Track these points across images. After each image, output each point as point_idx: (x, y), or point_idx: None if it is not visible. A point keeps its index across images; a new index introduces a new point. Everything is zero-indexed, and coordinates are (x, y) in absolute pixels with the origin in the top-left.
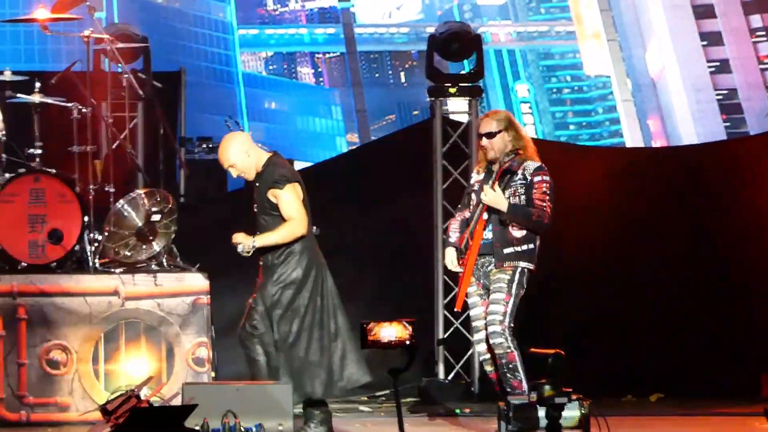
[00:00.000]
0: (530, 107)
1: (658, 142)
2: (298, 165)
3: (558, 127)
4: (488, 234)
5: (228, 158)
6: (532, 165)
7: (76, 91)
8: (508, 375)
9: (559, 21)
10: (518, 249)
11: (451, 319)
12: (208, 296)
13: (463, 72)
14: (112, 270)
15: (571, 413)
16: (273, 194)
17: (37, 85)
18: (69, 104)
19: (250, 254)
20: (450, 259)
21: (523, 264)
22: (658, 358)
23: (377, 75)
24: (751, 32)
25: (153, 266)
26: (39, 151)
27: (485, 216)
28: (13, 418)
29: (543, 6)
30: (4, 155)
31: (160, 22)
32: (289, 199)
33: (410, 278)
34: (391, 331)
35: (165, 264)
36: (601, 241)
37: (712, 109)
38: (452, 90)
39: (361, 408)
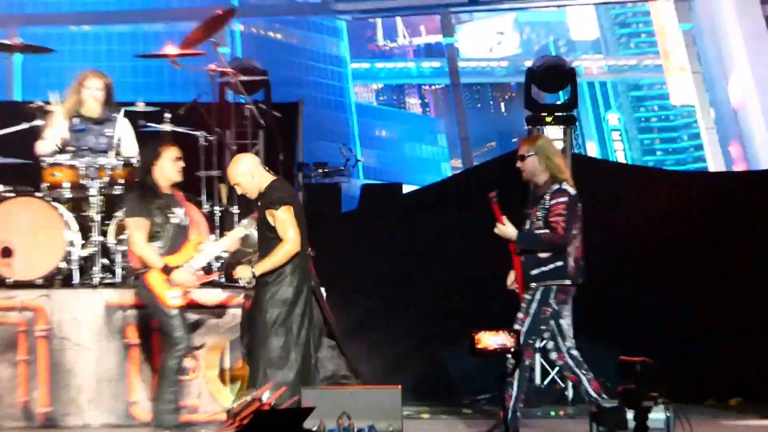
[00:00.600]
0: (620, 135)
1: (739, 167)
2: (406, 188)
3: (646, 153)
4: (524, 258)
5: (234, 177)
6: (555, 187)
7: (202, 120)
8: (506, 388)
9: (647, 55)
10: (545, 269)
11: None
12: None
13: (558, 102)
14: (237, 284)
15: (657, 416)
16: (269, 214)
17: (167, 115)
18: (196, 132)
19: (252, 284)
20: (509, 279)
21: (550, 282)
22: (738, 364)
23: (479, 105)
24: None
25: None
26: None
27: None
28: (147, 419)
29: (633, 41)
30: (137, 179)
31: (280, 57)
32: (284, 219)
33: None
34: (497, 339)
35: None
36: (684, 256)
37: None
38: (548, 119)
39: (464, 411)
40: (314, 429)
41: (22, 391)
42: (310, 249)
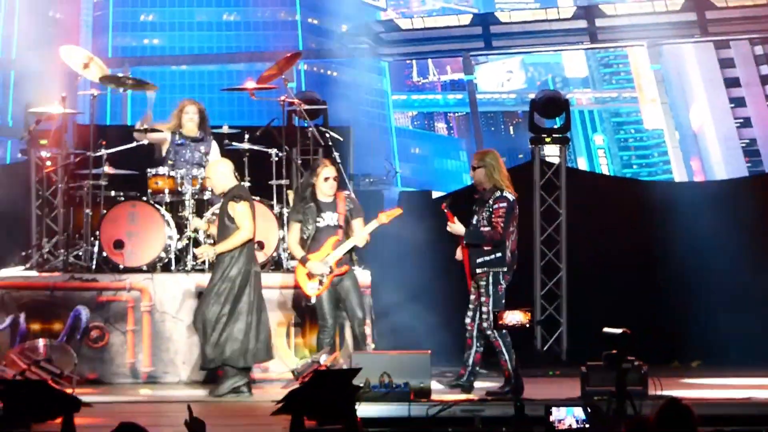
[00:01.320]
0: (604, 152)
1: (698, 177)
2: (435, 194)
3: (624, 166)
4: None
5: (211, 172)
6: (497, 194)
7: (274, 140)
8: (499, 356)
9: (625, 89)
10: (487, 258)
11: (546, 305)
12: (369, 288)
13: (555, 126)
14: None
15: (633, 375)
16: (231, 206)
17: (246, 136)
18: (269, 150)
19: (213, 259)
20: (459, 253)
21: (493, 269)
22: (699, 333)
23: (493, 128)
24: (766, 98)
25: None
26: (248, 184)
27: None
28: None
29: (614, 78)
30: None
31: (336, 91)
32: (242, 212)
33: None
34: (516, 317)
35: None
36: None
37: (738, 154)
38: (547, 139)
39: (481, 371)
40: (361, 384)
41: (130, 354)
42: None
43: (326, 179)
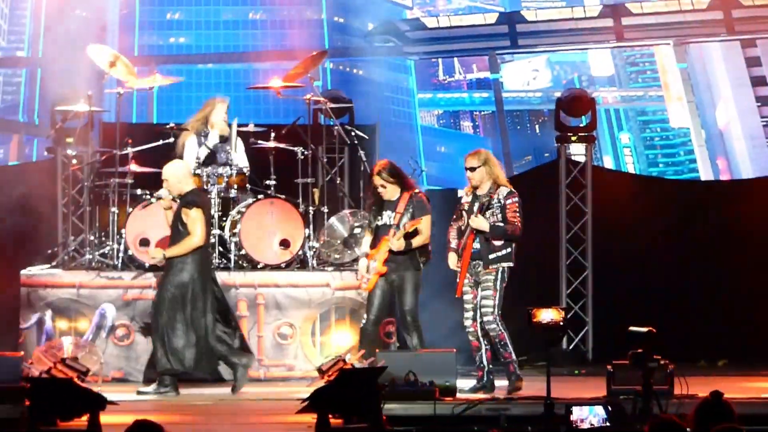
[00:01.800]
0: (630, 151)
1: (724, 176)
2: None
3: (650, 165)
4: (477, 245)
5: (168, 174)
6: (504, 191)
7: (300, 138)
8: (501, 350)
9: (651, 88)
10: (499, 254)
11: (572, 304)
12: None
13: (581, 125)
14: (326, 268)
15: (659, 374)
16: (184, 212)
17: (272, 134)
18: (295, 148)
19: (162, 263)
20: (452, 260)
21: (504, 264)
22: (725, 333)
23: (518, 127)
24: None
25: (355, 266)
26: (273, 182)
27: (473, 233)
28: (254, 375)
29: (640, 77)
30: (249, 185)
31: (361, 89)
32: (195, 218)
33: (542, 273)
34: (549, 315)
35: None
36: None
37: (764, 152)
38: (573, 138)
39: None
40: (386, 384)
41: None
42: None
43: (376, 188)
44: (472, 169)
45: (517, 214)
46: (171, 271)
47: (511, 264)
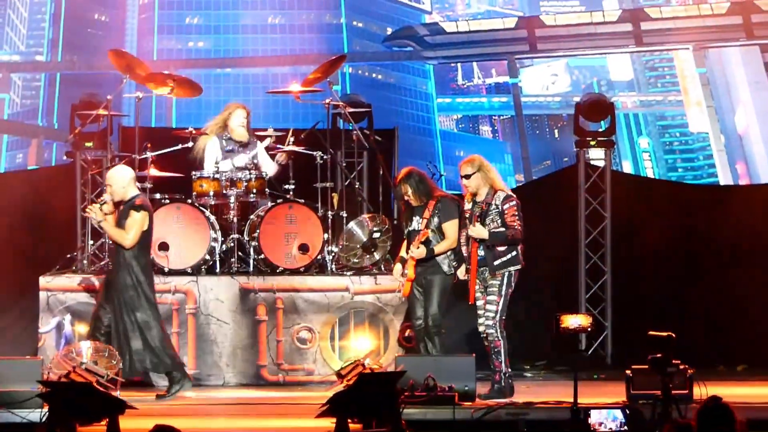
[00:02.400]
0: (649, 156)
1: (743, 181)
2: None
3: (669, 170)
4: (482, 252)
5: (112, 179)
6: (501, 195)
7: (319, 143)
8: (493, 357)
9: (671, 92)
10: (504, 259)
11: (591, 309)
12: None
13: (600, 129)
14: (345, 273)
15: (679, 379)
16: (130, 213)
17: (291, 138)
18: (314, 152)
19: (96, 220)
20: (460, 271)
21: (510, 269)
22: (744, 338)
23: (537, 132)
24: None
25: (374, 270)
26: (292, 187)
27: (476, 241)
28: (273, 379)
29: (659, 81)
30: (268, 189)
31: (380, 93)
32: (135, 221)
33: (561, 277)
34: (577, 321)
35: (382, 269)
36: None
37: None
38: (592, 142)
39: (526, 374)
40: (405, 388)
41: None
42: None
43: (403, 195)
44: (467, 177)
45: (516, 218)
46: (111, 278)
47: (518, 267)
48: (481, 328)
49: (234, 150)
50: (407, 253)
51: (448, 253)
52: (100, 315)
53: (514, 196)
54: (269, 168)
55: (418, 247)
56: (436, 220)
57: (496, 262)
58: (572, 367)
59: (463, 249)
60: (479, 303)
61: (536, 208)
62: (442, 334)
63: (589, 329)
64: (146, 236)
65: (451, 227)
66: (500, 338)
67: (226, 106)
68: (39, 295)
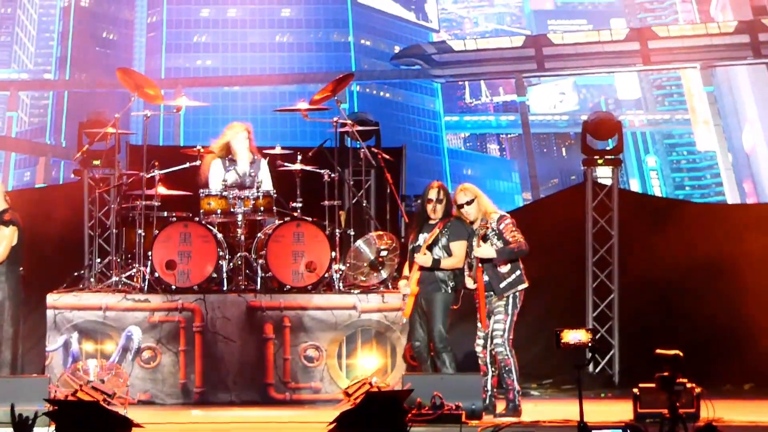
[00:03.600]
0: (657, 174)
1: (751, 200)
2: None
3: (677, 188)
4: (486, 277)
5: None
6: (495, 217)
7: (326, 161)
8: (504, 375)
9: (678, 111)
10: (509, 280)
11: (598, 327)
12: None
13: (607, 148)
14: (352, 291)
15: (686, 398)
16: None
17: (299, 157)
18: (321, 171)
19: None
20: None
21: (516, 289)
22: (751, 357)
23: (545, 150)
24: None
25: (381, 288)
26: (300, 205)
27: (480, 265)
28: (280, 397)
29: (667, 100)
30: (275, 207)
31: (388, 112)
32: (4, 235)
33: (568, 296)
34: (577, 336)
35: (390, 287)
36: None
37: None
38: (600, 161)
39: (532, 392)
40: (412, 406)
41: (181, 374)
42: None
43: (429, 201)
44: (469, 203)
45: (515, 233)
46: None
47: (524, 286)
48: (477, 348)
49: (240, 169)
50: (410, 270)
51: (450, 274)
52: None
53: (507, 214)
54: (267, 184)
55: (424, 254)
56: (444, 239)
57: (502, 285)
58: (578, 385)
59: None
60: (479, 324)
61: (543, 226)
62: (450, 351)
63: (590, 344)
64: (16, 251)
65: (458, 247)
66: (510, 356)
67: (228, 126)
68: (46, 313)
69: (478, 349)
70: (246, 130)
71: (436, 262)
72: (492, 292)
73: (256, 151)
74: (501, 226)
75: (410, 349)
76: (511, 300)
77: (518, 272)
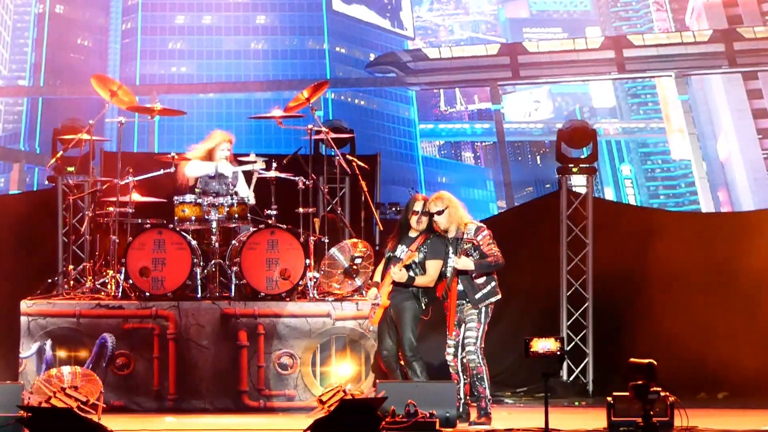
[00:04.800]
0: (631, 182)
1: (725, 209)
2: None
3: (651, 197)
4: (460, 286)
5: None
6: (472, 228)
7: (301, 168)
8: (477, 383)
9: (653, 119)
10: (484, 291)
11: (572, 336)
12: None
13: (582, 156)
14: (326, 299)
15: (659, 406)
16: None
17: (274, 164)
18: (296, 178)
19: None
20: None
21: (489, 301)
22: (725, 365)
23: (520, 158)
24: None
25: (355, 296)
26: (274, 212)
27: (456, 276)
28: (254, 405)
29: (642, 108)
30: (249, 215)
31: (363, 119)
32: None
33: (542, 304)
34: (546, 345)
35: (364, 294)
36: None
37: (765, 185)
38: (574, 169)
39: (506, 400)
40: (386, 413)
41: (155, 381)
42: None
43: (413, 213)
44: (439, 213)
45: (492, 246)
46: None
47: (497, 297)
48: (448, 357)
49: (216, 177)
50: (382, 278)
51: (422, 290)
52: None
53: (484, 225)
54: (244, 191)
55: (400, 270)
56: (421, 255)
57: (477, 295)
58: (548, 393)
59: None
60: (452, 333)
61: (518, 234)
62: (420, 360)
63: (558, 353)
64: None
65: (433, 266)
66: (482, 364)
67: (212, 135)
68: (20, 320)
69: (449, 357)
70: (228, 140)
71: (411, 280)
72: (464, 301)
73: (233, 161)
74: (479, 237)
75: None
76: (483, 309)
77: (493, 284)
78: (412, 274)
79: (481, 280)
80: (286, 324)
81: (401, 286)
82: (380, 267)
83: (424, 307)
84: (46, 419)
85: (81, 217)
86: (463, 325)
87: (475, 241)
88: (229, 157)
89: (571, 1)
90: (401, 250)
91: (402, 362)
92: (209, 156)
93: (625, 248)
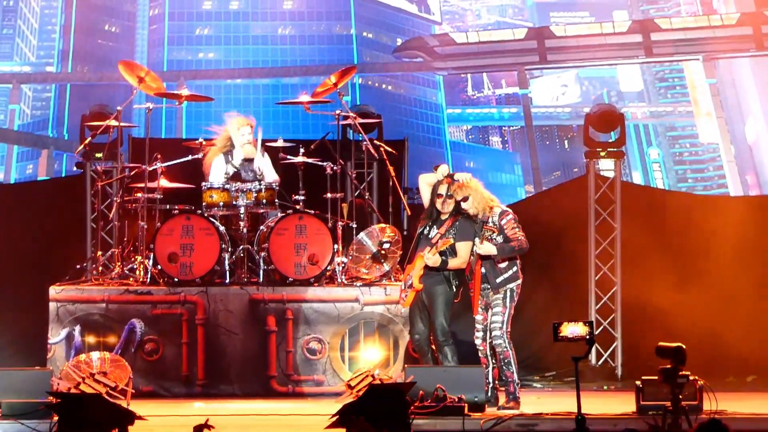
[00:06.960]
0: (659, 166)
1: (754, 192)
2: None
3: (679, 181)
4: (484, 270)
5: None
6: (497, 211)
7: (329, 153)
8: (504, 367)
9: (680, 103)
10: (505, 275)
11: (600, 319)
12: None
13: (610, 140)
14: (354, 284)
15: (688, 390)
16: None
17: (301, 150)
18: (323, 163)
19: None
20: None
21: (511, 285)
22: (753, 348)
23: (547, 142)
24: None
25: (384, 281)
26: (302, 198)
27: (480, 260)
28: (283, 390)
29: (669, 92)
30: (278, 200)
31: (390, 104)
32: None
33: (571, 288)
34: (575, 329)
35: (392, 279)
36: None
37: None
38: (602, 153)
39: (535, 384)
40: (414, 398)
41: (184, 367)
42: None
43: (438, 196)
44: (464, 200)
45: (516, 230)
46: None
47: (519, 281)
48: (477, 341)
49: (241, 164)
50: (411, 258)
51: (453, 273)
52: None
53: (509, 210)
54: (270, 175)
55: (434, 254)
56: (450, 236)
57: (499, 279)
58: (576, 377)
59: None
60: (478, 318)
61: (546, 218)
62: (452, 345)
63: (587, 337)
64: None
65: (464, 248)
66: (509, 348)
67: (228, 121)
68: (49, 306)
69: (478, 341)
70: (248, 124)
71: (444, 264)
72: (488, 285)
73: (256, 145)
74: (503, 222)
75: (411, 342)
76: (508, 293)
77: (515, 268)
78: (444, 258)
79: (503, 265)
80: (314, 309)
81: (433, 270)
82: (413, 245)
83: (455, 290)
84: (75, 405)
85: (109, 203)
86: (489, 309)
87: (495, 228)
88: (253, 142)
89: None
90: (432, 232)
91: (433, 346)
92: (230, 144)
93: (654, 232)
